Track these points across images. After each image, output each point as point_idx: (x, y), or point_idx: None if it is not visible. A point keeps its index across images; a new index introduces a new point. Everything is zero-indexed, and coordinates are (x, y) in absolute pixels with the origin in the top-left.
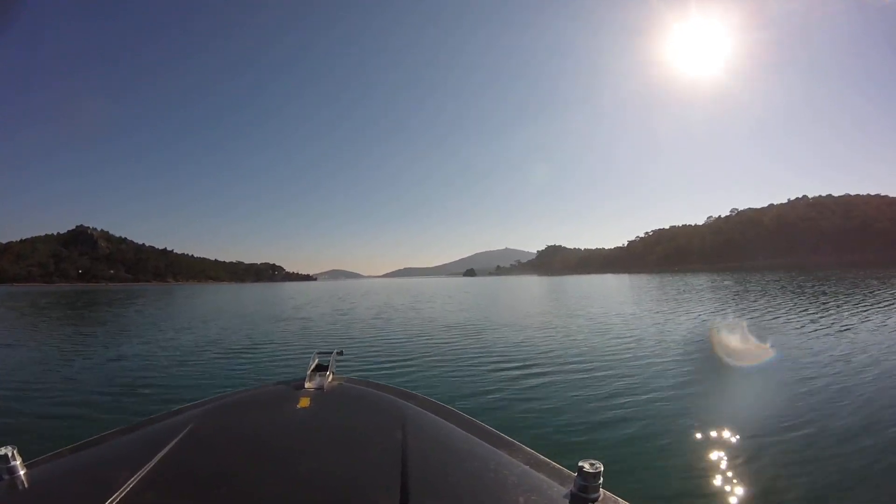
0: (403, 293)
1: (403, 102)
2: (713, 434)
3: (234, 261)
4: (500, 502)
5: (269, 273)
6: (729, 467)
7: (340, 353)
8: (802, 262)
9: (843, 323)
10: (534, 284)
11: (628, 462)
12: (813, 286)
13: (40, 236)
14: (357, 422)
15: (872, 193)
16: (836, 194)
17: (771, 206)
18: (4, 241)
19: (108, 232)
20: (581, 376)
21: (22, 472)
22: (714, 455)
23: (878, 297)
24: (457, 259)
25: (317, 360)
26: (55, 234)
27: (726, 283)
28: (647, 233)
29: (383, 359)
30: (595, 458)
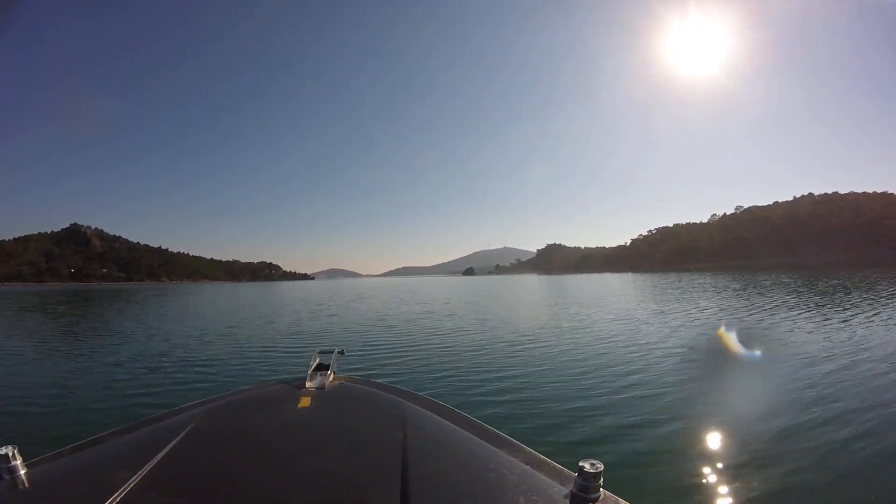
0: (403, 295)
1: (402, 101)
2: (714, 434)
3: (231, 259)
4: (500, 502)
5: (265, 272)
6: (729, 467)
7: (342, 353)
8: (813, 261)
9: (861, 331)
10: (536, 283)
11: (629, 462)
12: (834, 287)
13: (33, 235)
14: (358, 421)
15: (879, 191)
16: (841, 192)
17: (776, 203)
18: None
19: (101, 230)
20: (582, 376)
21: (22, 472)
22: (715, 455)
23: None
24: (455, 258)
25: (318, 360)
26: (49, 232)
27: (738, 283)
28: (650, 231)
29: (384, 358)
30: (595, 458)
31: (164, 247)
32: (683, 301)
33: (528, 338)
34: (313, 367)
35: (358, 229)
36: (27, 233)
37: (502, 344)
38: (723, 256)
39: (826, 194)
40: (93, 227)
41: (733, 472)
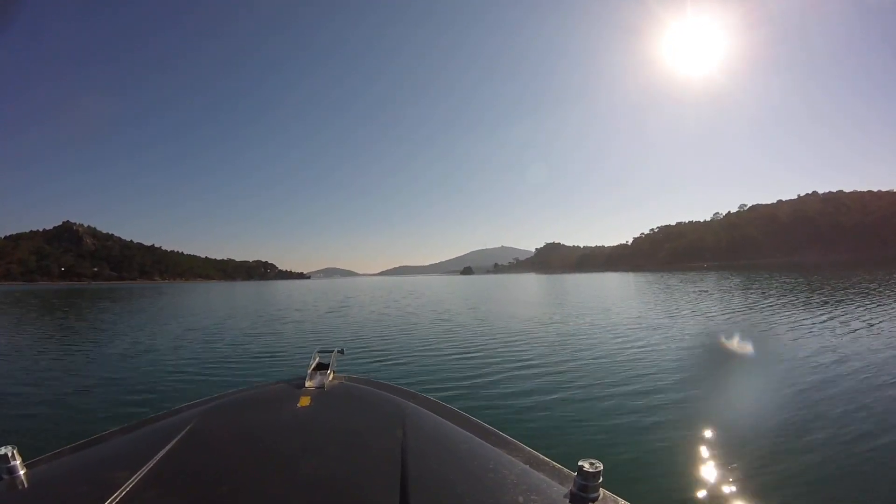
0: (400, 298)
1: (398, 100)
2: (714, 434)
3: (226, 258)
4: (499, 501)
5: (260, 271)
6: (729, 467)
7: (341, 352)
8: (822, 260)
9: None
10: (536, 283)
11: (628, 462)
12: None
13: (24, 233)
14: (357, 421)
15: (884, 190)
16: (845, 191)
17: (780, 202)
18: None
19: (94, 228)
20: (582, 376)
21: (22, 472)
22: (714, 455)
23: None
24: (452, 257)
25: (318, 359)
26: (41, 230)
27: (756, 282)
28: (652, 230)
29: (384, 358)
30: (595, 458)
31: (158, 245)
32: (685, 302)
33: (528, 337)
34: (313, 367)
35: (355, 228)
36: (21, 231)
37: (502, 343)
38: (729, 255)
39: (831, 193)
40: (85, 226)
41: (733, 472)
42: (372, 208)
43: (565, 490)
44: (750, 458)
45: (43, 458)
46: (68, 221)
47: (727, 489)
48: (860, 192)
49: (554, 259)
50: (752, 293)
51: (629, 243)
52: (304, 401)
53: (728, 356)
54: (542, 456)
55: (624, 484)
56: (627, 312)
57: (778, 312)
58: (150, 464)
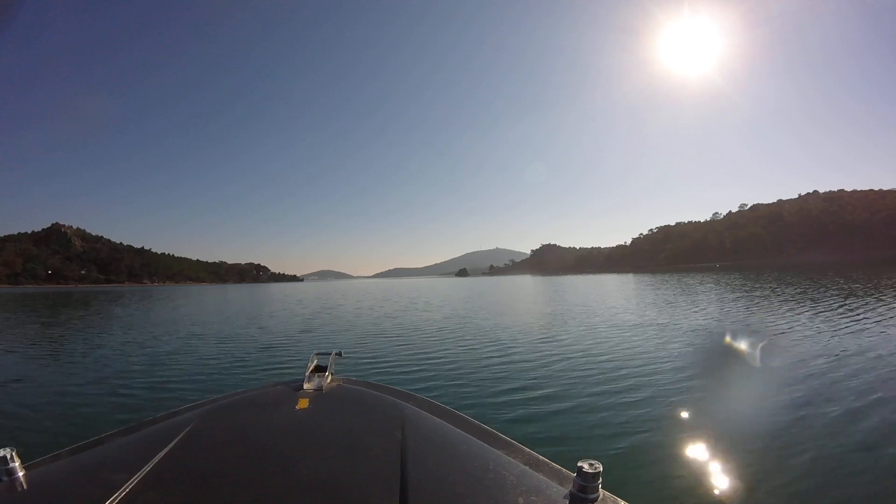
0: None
1: (392, 101)
2: (714, 435)
3: (218, 261)
4: (499, 502)
5: (253, 273)
6: (729, 468)
7: (339, 354)
8: (831, 259)
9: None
10: (533, 285)
11: (628, 462)
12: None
13: (12, 235)
14: (356, 423)
15: (886, 189)
16: (847, 189)
17: (781, 201)
18: None
19: (83, 230)
20: (581, 376)
21: (21, 474)
22: (714, 456)
23: None
24: (447, 259)
25: (315, 361)
26: (29, 232)
27: (777, 285)
28: (651, 230)
29: (382, 359)
30: (594, 459)
31: (151, 248)
32: (687, 302)
33: (527, 338)
34: (311, 369)
35: (349, 230)
36: (9, 233)
37: (501, 344)
38: (734, 255)
39: (832, 192)
40: (74, 227)
41: (733, 473)
42: (366, 210)
43: (565, 491)
44: (750, 458)
45: (42, 460)
46: (57, 223)
47: (727, 489)
48: (862, 191)
49: (550, 260)
50: (790, 296)
51: (628, 244)
52: (303, 403)
53: (729, 359)
54: (541, 457)
55: (623, 484)
56: (627, 314)
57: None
58: (149, 465)
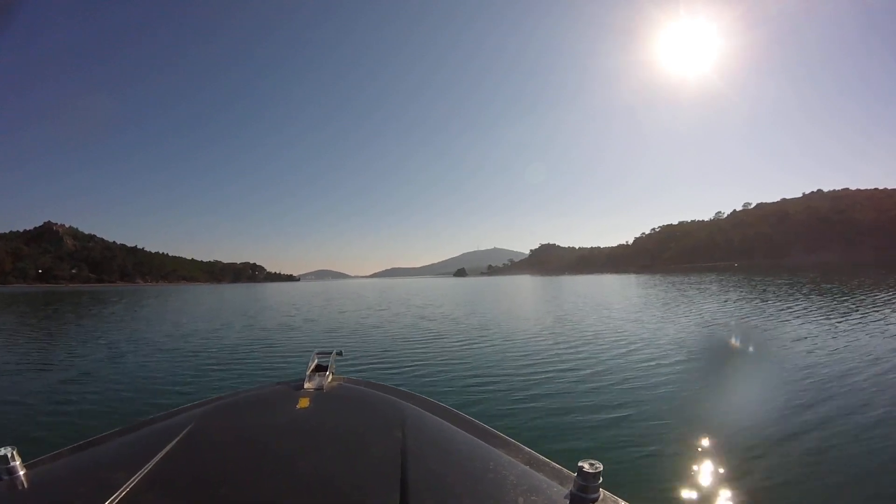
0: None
1: (391, 102)
2: (714, 435)
3: (213, 260)
4: (499, 502)
5: (248, 273)
6: (729, 468)
7: (340, 354)
8: (842, 259)
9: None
10: (533, 285)
11: (628, 462)
12: None
13: (3, 233)
14: (356, 422)
15: (891, 188)
16: (850, 188)
17: (784, 200)
18: None
19: (76, 229)
20: (581, 377)
21: (21, 473)
22: (714, 456)
23: None
24: (444, 259)
25: (316, 361)
26: (21, 230)
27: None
28: (653, 229)
29: (383, 359)
30: (595, 459)
31: (148, 248)
32: (688, 303)
33: (527, 338)
34: (311, 368)
35: (347, 230)
36: (0, 232)
37: (501, 345)
38: (741, 255)
39: (835, 191)
40: (67, 226)
41: (732, 473)
42: (365, 210)
43: (565, 491)
44: (750, 458)
45: (43, 459)
46: (49, 222)
47: (727, 489)
48: (868, 190)
49: (550, 260)
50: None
51: (630, 243)
52: (304, 402)
53: (729, 360)
54: (541, 456)
55: (624, 484)
56: (627, 314)
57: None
58: (150, 465)
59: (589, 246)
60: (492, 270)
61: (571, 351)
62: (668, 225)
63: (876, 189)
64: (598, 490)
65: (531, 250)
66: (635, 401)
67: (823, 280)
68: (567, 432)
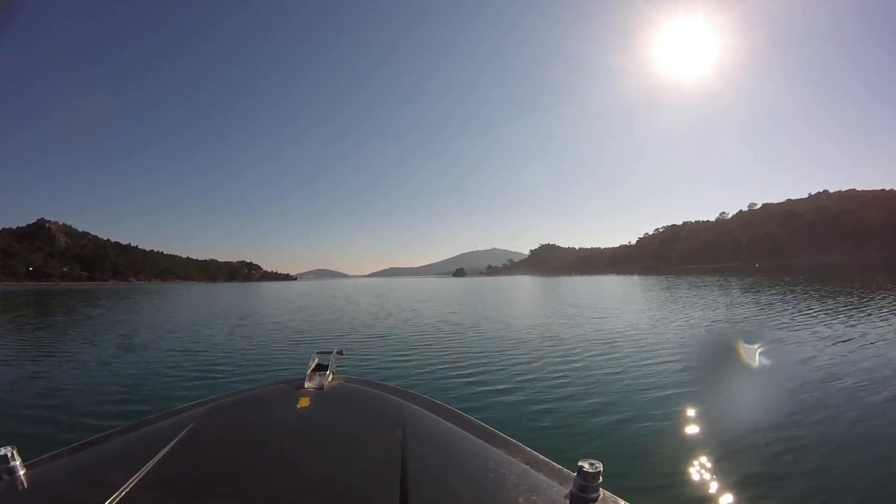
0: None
1: (389, 102)
2: (714, 435)
3: (208, 258)
4: (499, 502)
5: (244, 272)
6: (729, 468)
7: (340, 353)
8: (852, 260)
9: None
10: (534, 286)
11: (628, 462)
12: None
13: None
14: (357, 422)
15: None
16: (857, 189)
17: (789, 200)
18: None
19: (69, 226)
20: (581, 377)
21: (22, 473)
22: (714, 456)
23: None
24: (443, 259)
25: (317, 360)
26: (13, 227)
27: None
28: (657, 229)
29: (383, 359)
30: (595, 458)
31: (146, 247)
32: (690, 304)
33: (528, 339)
34: (312, 368)
35: (345, 230)
36: None
37: (501, 344)
38: (749, 255)
39: (840, 191)
40: (60, 223)
41: (733, 473)
42: (364, 210)
43: (565, 490)
44: (750, 459)
45: (43, 459)
46: (43, 219)
47: (727, 490)
48: (875, 190)
49: (550, 260)
50: None
51: (633, 243)
52: (304, 402)
53: (730, 361)
54: (541, 456)
55: (624, 484)
56: (628, 316)
57: None
58: (150, 465)
59: (589, 246)
60: (491, 271)
61: (572, 351)
62: (672, 225)
63: (883, 190)
64: (598, 490)
65: (531, 250)
66: (635, 401)
67: (866, 283)
68: (567, 432)
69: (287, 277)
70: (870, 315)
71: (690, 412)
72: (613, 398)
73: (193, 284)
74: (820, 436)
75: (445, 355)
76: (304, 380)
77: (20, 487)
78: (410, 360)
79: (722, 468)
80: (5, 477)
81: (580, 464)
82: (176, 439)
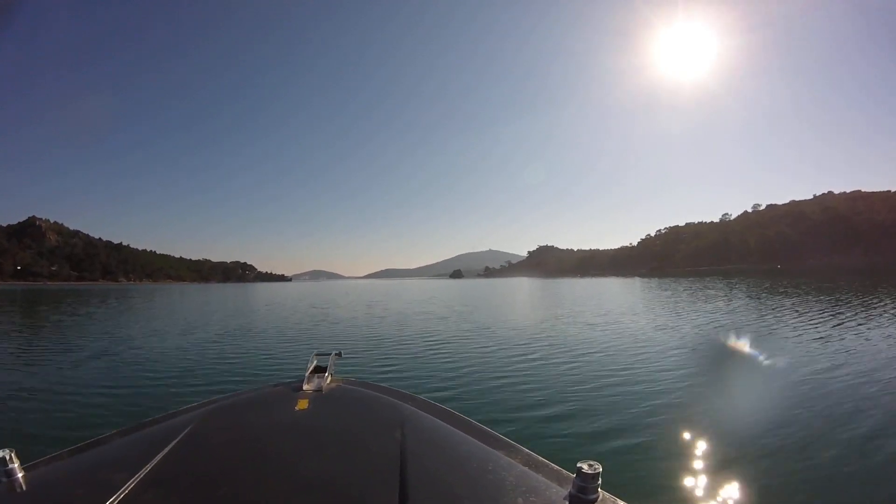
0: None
1: (387, 102)
2: (713, 436)
3: (202, 258)
4: (498, 503)
5: (238, 273)
6: (729, 469)
7: (339, 355)
8: (864, 262)
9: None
10: (534, 288)
11: (627, 463)
12: None
13: None
14: (355, 423)
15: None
16: (852, 191)
17: (793, 201)
18: None
19: (61, 224)
20: (581, 378)
21: (20, 475)
22: (714, 457)
23: None
24: (439, 260)
25: (315, 362)
26: (3, 225)
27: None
28: (659, 230)
29: (382, 360)
30: (594, 460)
31: (142, 247)
32: (690, 305)
33: (527, 340)
34: (311, 370)
35: (341, 231)
36: None
37: (500, 346)
38: (759, 257)
39: (845, 192)
40: (51, 221)
41: (732, 474)
42: (361, 210)
43: (564, 492)
44: (749, 459)
45: (41, 461)
46: (34, 216)
47: (726, 491)
48: (881, 192)
49: (549, 262)
50: None
51: (634, 244)
52: (302, 403)
53: (729, 361)
54: (540, 457)
55: (623, 485)
56: (628, 317)
57: None
58: (149, 466)
59: (587, 248)
60: (489, 272)
61: (571, 353)
62: (674, 226)
63: (889, 191)
64: (597, 491)
65: (529, 252)
66: (635, 402)
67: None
68: (566, 433)
69: (282, 278)
70: None
71: (689, 414)
72: (612, 399)
73: (185, 285)
74: (820, 437)
75: (444, 357)
76: (302, 381)
77: (19, 490)
78: (409, 362)
79: (721, 469)
80: (3, 480)
81: (579, 465)
82: (175, 441)
